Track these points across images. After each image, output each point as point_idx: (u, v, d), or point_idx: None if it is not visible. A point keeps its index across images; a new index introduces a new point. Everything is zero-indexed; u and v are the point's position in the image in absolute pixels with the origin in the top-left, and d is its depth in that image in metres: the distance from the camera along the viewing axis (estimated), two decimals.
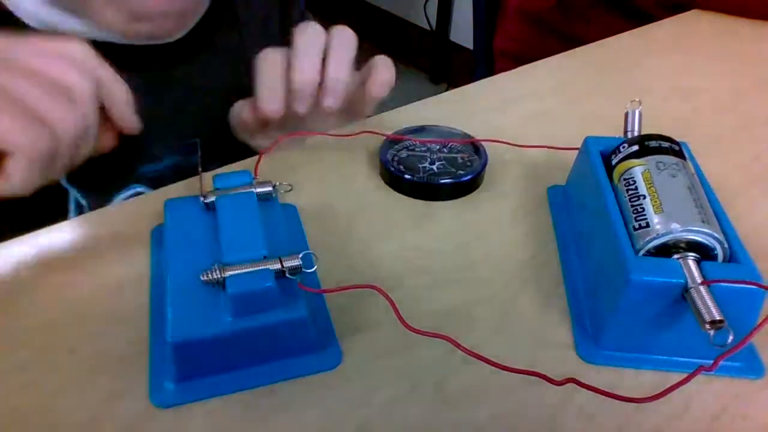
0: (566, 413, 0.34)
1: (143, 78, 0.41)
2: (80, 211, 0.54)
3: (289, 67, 0.45)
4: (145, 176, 0.56)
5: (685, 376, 0.32)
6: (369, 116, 0.55)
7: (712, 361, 0.32)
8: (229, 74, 0.46)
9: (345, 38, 0.47)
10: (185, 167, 0.56)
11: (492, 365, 0.33)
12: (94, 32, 0.50)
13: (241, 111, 0.52)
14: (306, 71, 0.45)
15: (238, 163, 0.51)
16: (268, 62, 0.46)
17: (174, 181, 0.49)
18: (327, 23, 0.48)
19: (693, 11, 0.81)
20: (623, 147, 0.42)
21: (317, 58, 0.45)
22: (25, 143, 0.32)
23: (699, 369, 0.32)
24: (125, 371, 0.35)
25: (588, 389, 0.33)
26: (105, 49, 0.40)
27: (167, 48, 0.54)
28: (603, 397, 0.32)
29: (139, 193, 0.56)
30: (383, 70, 0.48)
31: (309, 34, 0.46)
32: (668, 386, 0.32)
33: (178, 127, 0.44)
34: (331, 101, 0.46)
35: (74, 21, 0.50)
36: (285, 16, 0.64)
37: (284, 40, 0.47)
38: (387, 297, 0.36)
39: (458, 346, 0.34)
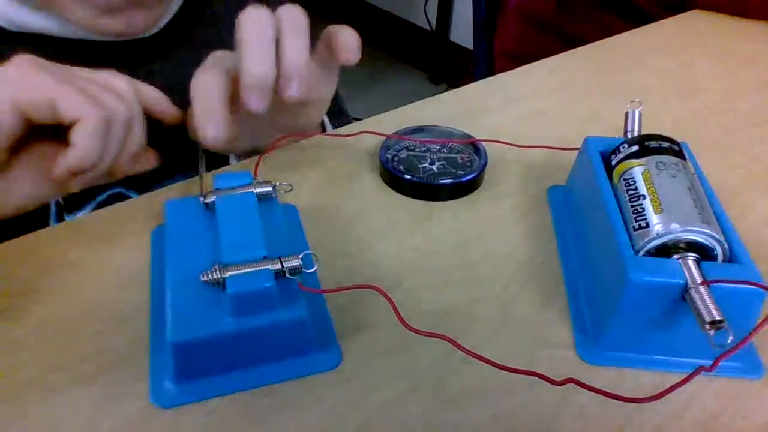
0: (566, 413, 0.34)
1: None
2: (60, 211, 0.54)
3: (231, 77, 0.42)
4: (126, 175, 0.55)
5: (685, 376, 0.32)
6: (344, 119, 0.53)
7: (711, 362, 0.32)
8: None
9: (296, 18, 0.42)
10: (167, 167, 0.56)
11: (492, 365, 0.33)
12: (63, 29, 0.50)
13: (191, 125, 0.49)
14: (258, 64, 0.40)
15: (238, 164, 0.51)
16: (200, 85, 0.42)
17: (157, 181, 0.48)
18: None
19: (693, 11, 0.81)
20: (623, 147, 0.42)
21: (269, 47, 0.40)
22: (88, 112, 0.36)
23: (699, 369, 0.32)
24: (125, 371, 0.35)
25: (588, 389, 0.32)
26: (80, 47, 0.40)
27: (144, 44, 0.53)
28: (603, 397, 0.32)
29: (120, 193, 0.55)
30: (346, 34, 0.43)
31: (255, 21, 0.41)
32: (668, 386, 0.32)
33: (158, 124, 0.43)
34: (294, 89, 0.41)
35: (44, 19, 0.49)
36: None
37: None
38: (387, 297, 0.36)
39: (458, 346, 0.34)
